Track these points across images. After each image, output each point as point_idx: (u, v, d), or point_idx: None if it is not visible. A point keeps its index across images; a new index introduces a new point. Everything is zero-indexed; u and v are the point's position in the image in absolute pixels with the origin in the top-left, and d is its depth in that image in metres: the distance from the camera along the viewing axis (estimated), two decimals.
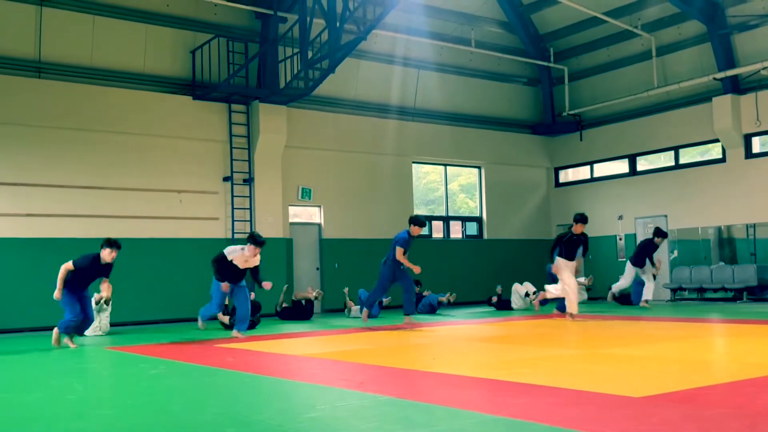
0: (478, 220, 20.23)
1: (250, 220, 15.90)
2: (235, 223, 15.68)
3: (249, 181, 15.96)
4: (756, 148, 17.14)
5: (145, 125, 14.94)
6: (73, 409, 5.17)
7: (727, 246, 17.86)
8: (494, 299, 16.45)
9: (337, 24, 14.27)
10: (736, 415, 4.30)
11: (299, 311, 14.48)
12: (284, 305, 14.68)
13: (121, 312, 13.31)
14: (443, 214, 19.72)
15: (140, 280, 14.44)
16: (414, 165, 19.08)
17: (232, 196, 15.75)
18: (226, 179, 15.79)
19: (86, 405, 5.39)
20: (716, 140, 17.61)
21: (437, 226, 19.52)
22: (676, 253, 18.43)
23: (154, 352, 8.82)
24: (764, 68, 16.28)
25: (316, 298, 14.72)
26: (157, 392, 5.88)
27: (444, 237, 19.55)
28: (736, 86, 17.11)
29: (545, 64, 20.32)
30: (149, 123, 15.00)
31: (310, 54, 15.12)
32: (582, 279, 17.53)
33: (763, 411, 4.37)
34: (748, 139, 17.15)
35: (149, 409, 5.07)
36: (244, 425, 4.34)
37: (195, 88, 15.55)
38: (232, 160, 15.81)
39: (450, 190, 20.06)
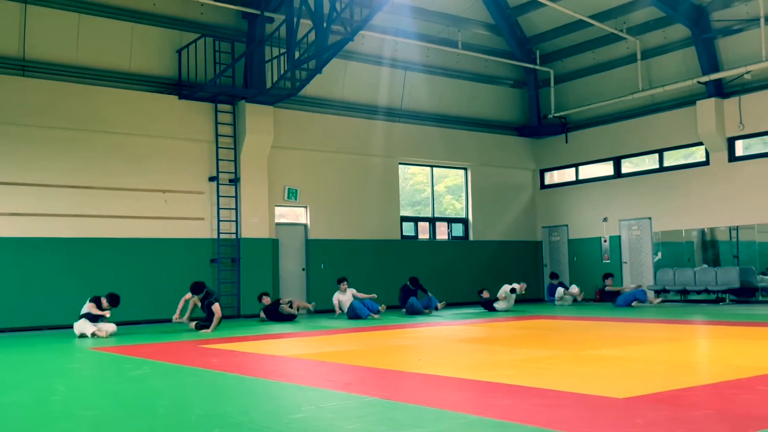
0: (464, 221, 20.26)
1: (236, 221, 15.85)
2: (220, 223, 15.62)
3: (235, 181, 15.90)
4: (739, 151, 17.28)
5: (130, 124, 14.85)
6: (56, 410, 5.13)
7: (710, 248, 18.00)
8: (485, 294, 16.49)
9: (324, 24, 14.25)
10: (720, 416, 4.34)
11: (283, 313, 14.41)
12: (269, 304, 14.55)
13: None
14: (429, 215, 19.73)
15: (124, 280, 14.33)
16: (401, 166, 19.09)
17: (218, 196, 15.69)
18: (212, 179, 15.73)
19: (69, 406, 5.35)
20: (700, 143, 17.74)
21: (423, 227, 19.53)
22: (659, 255, 18.55)
23: (138, 353, 8.77)
24: (748, 72, 16.42)
25: (310, 311, 15.42)
26: (141, 393, 5.84)
27: (430, 238, 19.56)
28: (720, 90, 17.26)
29: (531, 66, 20.39)
30: (135, 122, 14.90)
31: (297, 54, 15.09)
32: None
33: (745, 412, 4.41)
34: (731, 142, 17.29)
35: (133, 410, 5.03)
36: (229, 426, 4.33)
37: (181, 87, 15.47)
38: (218, 160, 15.75)
39: (436, 191, 20.09)
